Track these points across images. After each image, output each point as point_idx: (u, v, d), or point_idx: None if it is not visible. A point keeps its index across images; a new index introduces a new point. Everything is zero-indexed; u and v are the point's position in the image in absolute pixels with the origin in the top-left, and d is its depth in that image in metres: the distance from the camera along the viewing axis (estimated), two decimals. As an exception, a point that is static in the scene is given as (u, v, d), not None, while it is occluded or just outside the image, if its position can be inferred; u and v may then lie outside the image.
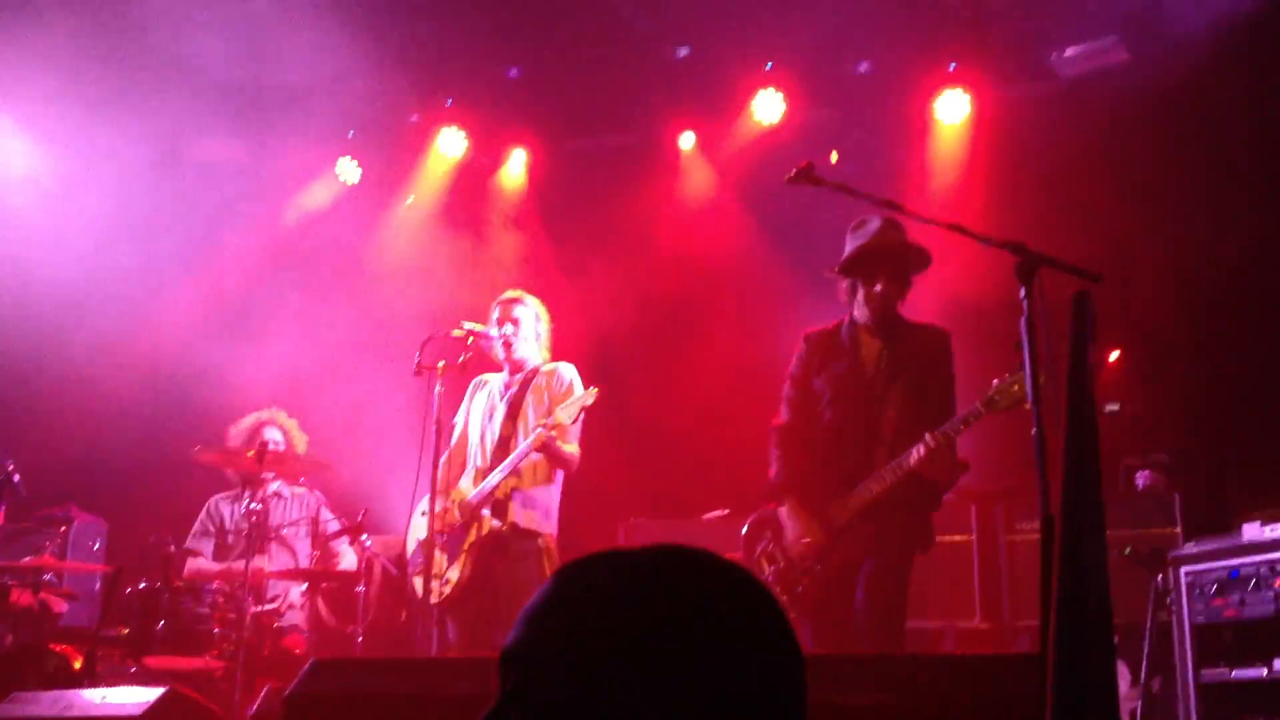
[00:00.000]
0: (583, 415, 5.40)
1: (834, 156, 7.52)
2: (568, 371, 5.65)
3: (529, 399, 5.59)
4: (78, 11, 7.04)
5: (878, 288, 4.66)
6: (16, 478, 6.18)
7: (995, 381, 4.28)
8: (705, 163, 8.02)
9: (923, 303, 5.04)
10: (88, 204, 7.84)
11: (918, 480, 4.46)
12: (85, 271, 7.68)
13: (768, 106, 7.68)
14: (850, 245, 4.74)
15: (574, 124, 8.25)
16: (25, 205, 7.78)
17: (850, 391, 4.69)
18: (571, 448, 5.45)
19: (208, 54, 7.31)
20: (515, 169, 8.45)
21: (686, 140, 8.07)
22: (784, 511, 4.69)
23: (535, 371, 5.68)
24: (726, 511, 6.71)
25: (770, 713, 1.18)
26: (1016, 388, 4.16)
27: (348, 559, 6.36)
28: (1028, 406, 3.82)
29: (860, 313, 4.76)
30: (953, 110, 7.50)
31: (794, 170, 3.87)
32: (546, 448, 5.31)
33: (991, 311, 5.60)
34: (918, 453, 4.36)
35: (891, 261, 4.68)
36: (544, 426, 5.24)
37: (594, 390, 5.25)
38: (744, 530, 4.83)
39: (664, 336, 7.75)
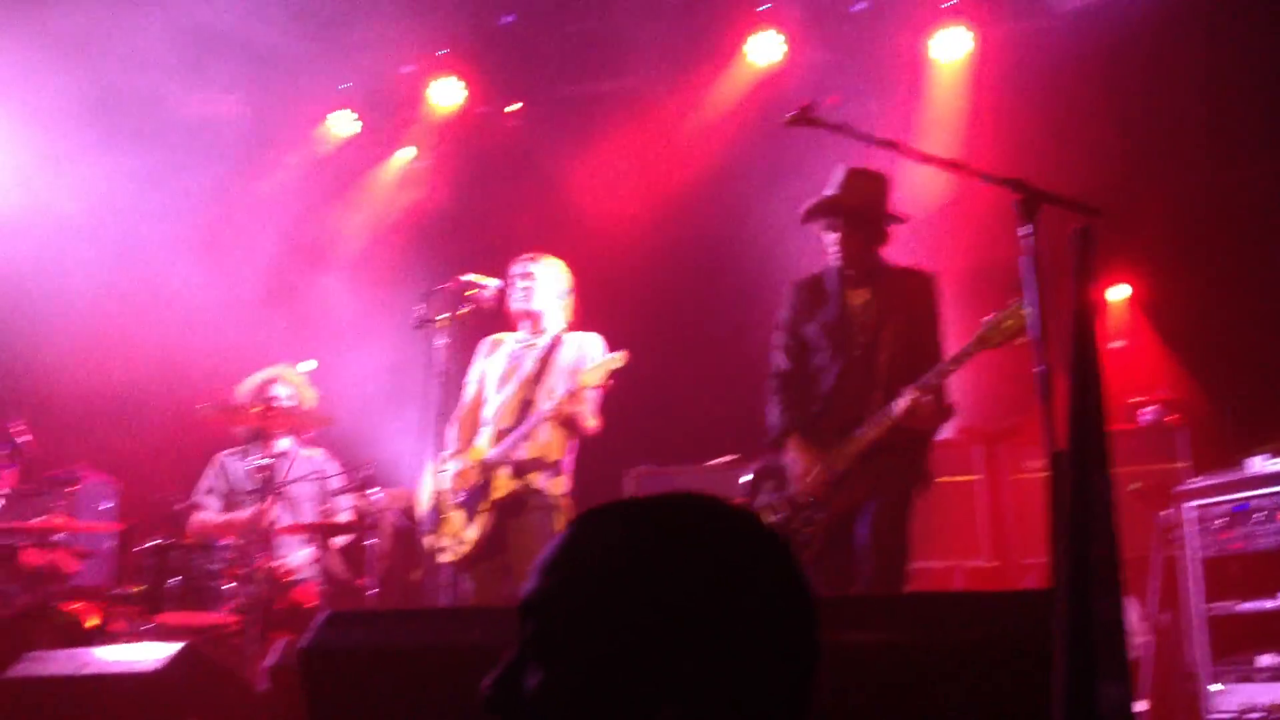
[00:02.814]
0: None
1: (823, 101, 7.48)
2: (595, 346, 5.62)
3: (554, 366, 5.57)
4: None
5: (835, 236, 4.73)
6: (27, 438, 6.21)
7: (986, 319, 4.30)
8: (703, 107, 7.96)
9: (921, 253, 5.07)
10: (81, 163, 7.80)
11: (904, 429, 4.50)
12: (84, 232, 7.66)
13: (764, 48, 7.63)
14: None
15: (569, 70, 8.17)
16: (19, 170, 7.75)
17: (840, 339, 4.75)
18: (592, 421, 5.49)
19: (196, 7, 7.24)
20: (512, 117, 8.39)
21: (683, 84, 8.00)
22: (787, 453, 4.72)
23: (560, 337, 5.67)
24: (733, 458, 6.73)
25: (783, 655, 1.19)
26: (1010, 322, 4.18)
27: (346, 514, 6.37)
28: (1019, 341, 3.85)
29: (833, 260, 4.79)
30: (951, 47, 7.45)
31: (792, 112, 3.85)
32: (568, 417, 5.34)
33: (989, 256, 5.60)
34: (899, 406, 4.42)
35: (849, 211, 4.71)
36: (568, 391, 5.27)
37: (623, 354, 5.25)
38: (745, 480, 4.87)
39: (665, 283, 7.73)
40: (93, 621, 5.49)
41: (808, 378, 4.80)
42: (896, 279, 4.80)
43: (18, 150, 7.75)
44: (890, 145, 3.71)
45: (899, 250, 4.89)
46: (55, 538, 6.09)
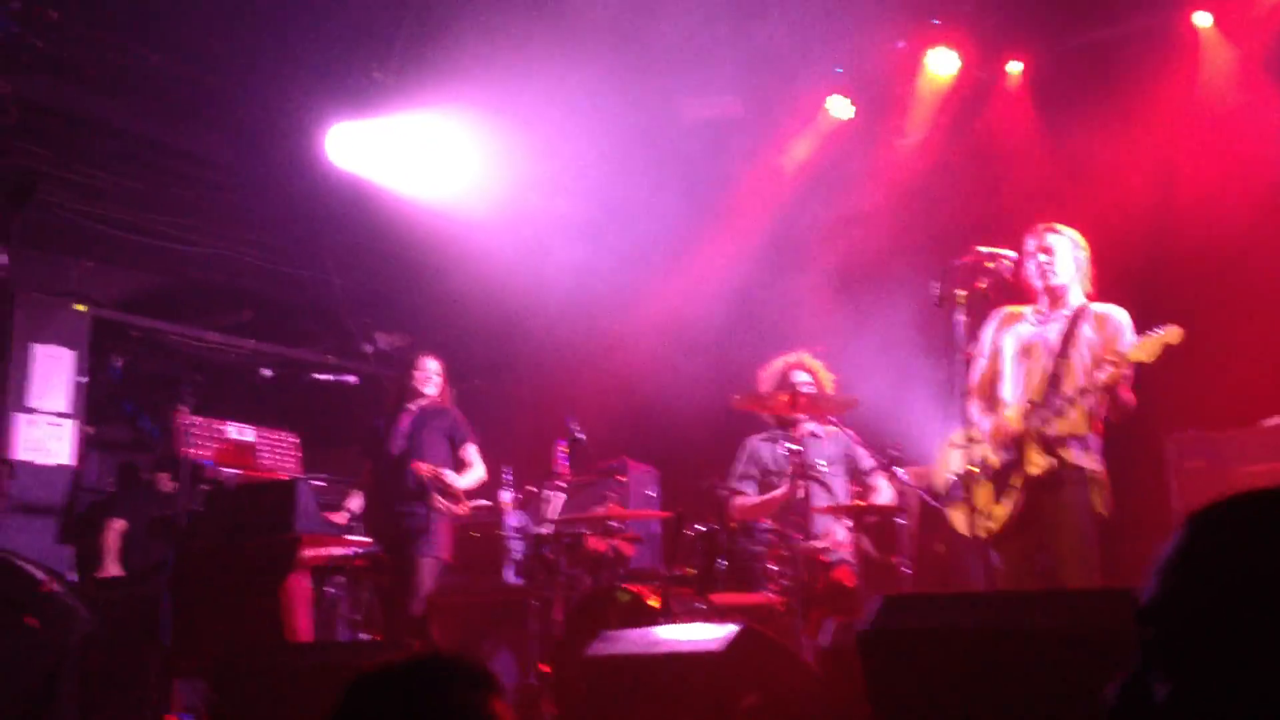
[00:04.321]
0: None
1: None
2: (1122, 318, 5.36)
3: (1081, 340, 5.36)
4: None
5: None
6: (581, 435, 6.82)
7: None
8: (1227, 41, 7.29)
9: None
10: (599, 177, 8.44)
11: None
12: (602, 242, 8.30)
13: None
14: None
15: (1071, 18, 7.77)
16: (557, 189, 8.51)
17: None
18: (1128, 394, 5.25)
19: (689, 14, 7.60)
20: (1015, 79, 8.09)
21: (1203, 18, 7.36)
22: None
23: (1083, 310, 5.46)
24: (1288, 416, 6.15)
25: None
26: None
27: (885, 493, 6.46)
28: None
29: None
30: None
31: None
32: (1109, 389, 5.14)
33: None
34: None
35: None
36: (1113, 363, 5.07)
37: (1177, 329, 4.96)
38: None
39: (1195, 234, 7.15)
40: (653, 602, 5.92)
41: None
42: None
43: (542, 159, 8.50)
44: None
45: None
46: (612, 525, 6.64)
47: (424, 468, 6.96)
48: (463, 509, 7.08)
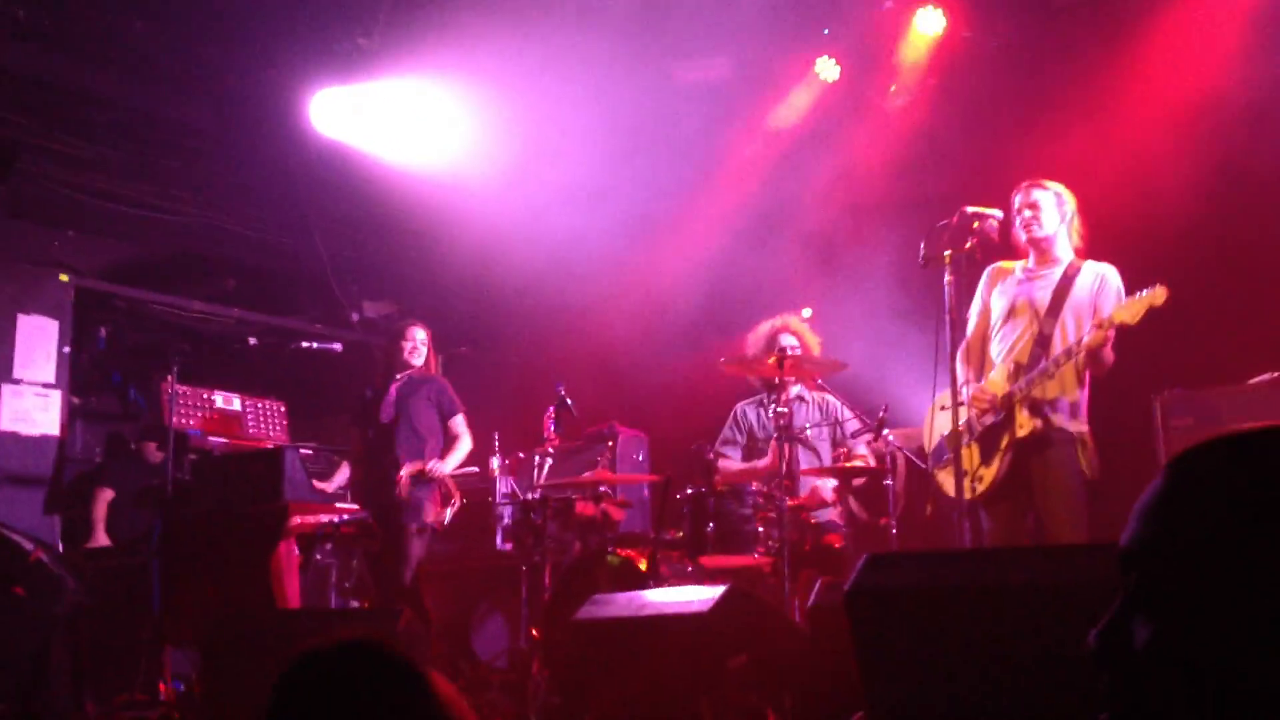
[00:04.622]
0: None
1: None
2: (1114, 278, 5.34)
3: (1071, 298, 5.35)
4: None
5: None
6: (568, 401, 6.81)
7: None
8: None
9: None
10: (586, 143, 8.38)
11: None
12: (589, 209, 8.26)
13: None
14: None
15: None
16: (543, 156, 8.45)
17: None
18: (1110, 354, 5.26)
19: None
20: (1002, 37, 8.02)
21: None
22: None
23: (1076, 269, 5.43)
24: (1276, 375, 6.15)
25: None
26: None
27: (862, 457, 6.46)
28: None
29: None
30: None
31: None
32: (1095, 351, 5.14)
33: None
34: None
35: None
36: (1097, 325, 5.06)
37: (1162, 289, 4.96)
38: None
39: (1186, 189, 7.11)
40: (642, 566, 5.93)
41: None
42: None
43: (535, 145, 8.45)
44: None
45: None
46: (602, 489, 6.64)
47: (404, 479, 6.88)
48: (450, 506, 7.01)
